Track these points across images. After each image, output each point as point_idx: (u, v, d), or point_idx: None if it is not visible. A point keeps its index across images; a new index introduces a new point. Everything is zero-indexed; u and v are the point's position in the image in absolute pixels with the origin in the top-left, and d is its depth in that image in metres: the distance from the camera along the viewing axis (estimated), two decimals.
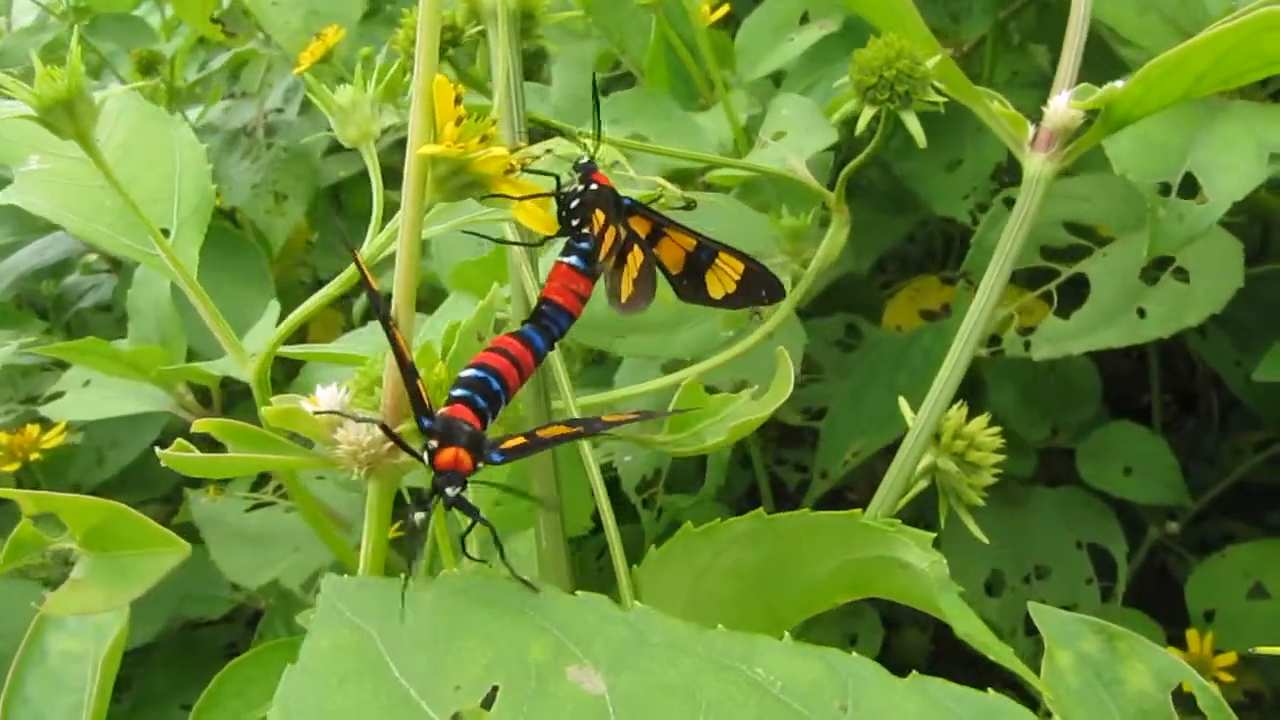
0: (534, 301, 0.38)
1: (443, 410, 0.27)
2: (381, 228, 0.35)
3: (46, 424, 0.78)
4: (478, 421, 0.27)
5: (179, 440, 0.29)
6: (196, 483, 0.78)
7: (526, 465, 0.35)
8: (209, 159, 0.43)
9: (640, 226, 0.34)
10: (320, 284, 1.18)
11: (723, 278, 0.35)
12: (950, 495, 0.38)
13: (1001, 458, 0.38)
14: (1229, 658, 0.69)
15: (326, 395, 0.28)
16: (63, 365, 0.95)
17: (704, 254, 0.35)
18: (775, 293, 0.35)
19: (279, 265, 0.99)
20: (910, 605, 0.32)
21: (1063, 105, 0.39)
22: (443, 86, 0.29)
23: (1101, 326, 0.63)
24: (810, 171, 0.47)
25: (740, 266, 0.34)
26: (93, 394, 0.70)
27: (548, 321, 0.30)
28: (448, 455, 0.26)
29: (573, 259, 0.31)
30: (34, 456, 0.73)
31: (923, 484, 0.39)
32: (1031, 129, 0.41)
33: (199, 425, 0.29)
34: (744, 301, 0.35)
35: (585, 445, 0.33)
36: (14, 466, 0.73)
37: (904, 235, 0.92)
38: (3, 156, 0.41)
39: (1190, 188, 0.55)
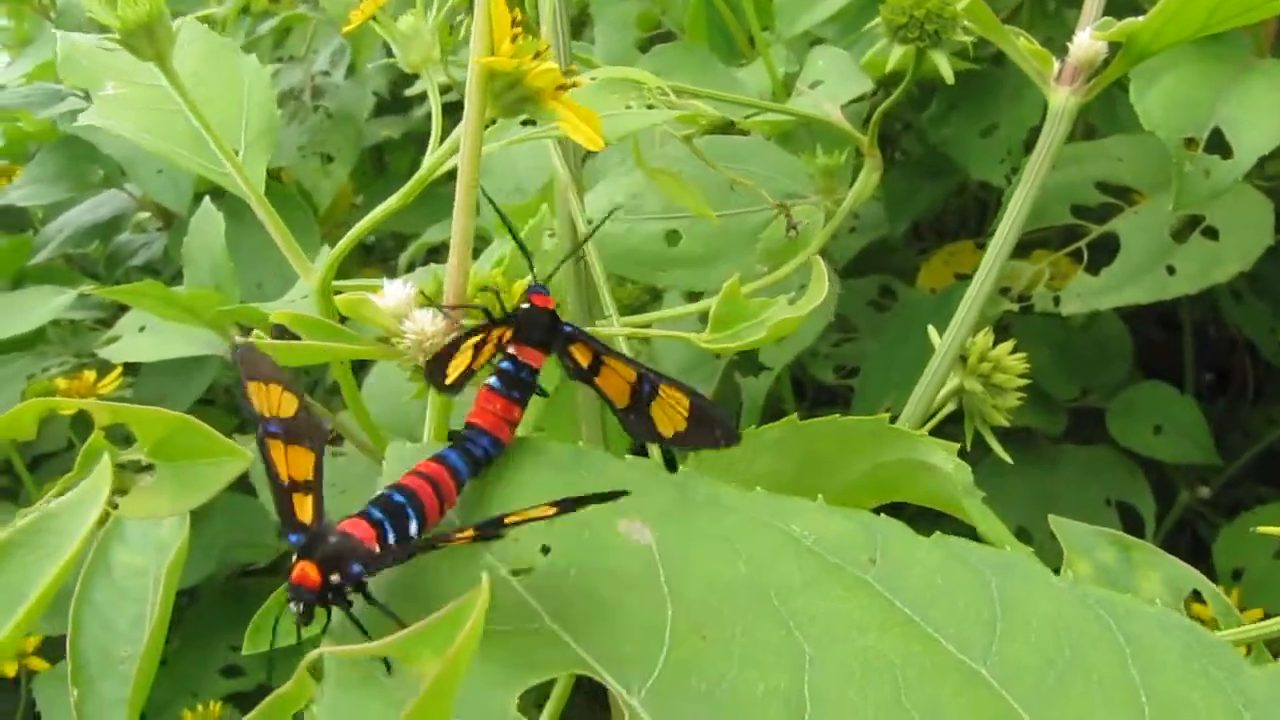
0: (582, 231, 0.40)
1: (341, 523, 0.26)
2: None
3: (102, 373, 0.81)
4: (373, 538, 0.25)
5: (254, 333, 0.31)
6: (247, 431, 0.80)
7: (576, 408, 0.37)
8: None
9: (581, 355, 0.31)
10: (365, 248, 1.20)
11: (670, 413, 0.31)
12: (976, 418, 0.39)
13: (1027, 381, 0.39)
14: (1255, 614, 0.70)
15: (394, 289, 0.30)
16: (110, 326, 0.98)
17: (646, 386, 0.31)
18: (729, 434, 0.31)
19: (323, 226, 1.01)
20: (935, 508, 0.34)
21: (1086, 39, 0.41)
22: (500, 6, 0.31)
23: (1130, 283, 0.64)
24: (845, 120, 0.49)
25: (686, 401, 0.31)
26: (148, 338, 0.72)
27: (470, 445, 0.28)
28: (297, 569, 0.24)
29: (493, 381, 0.30)
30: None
31: (950, 407, 0.40)
32: (1057, 64, 0.42)
33: (276, 315, 0.31)
34: (695, 443, 0.31)
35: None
36: (72, 410, 0.76)
37: (939, 201, 0.93)
38: (81, 82, 0.43)
39: (1217, 145, 0.57)
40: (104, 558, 0.48)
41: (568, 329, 0.31)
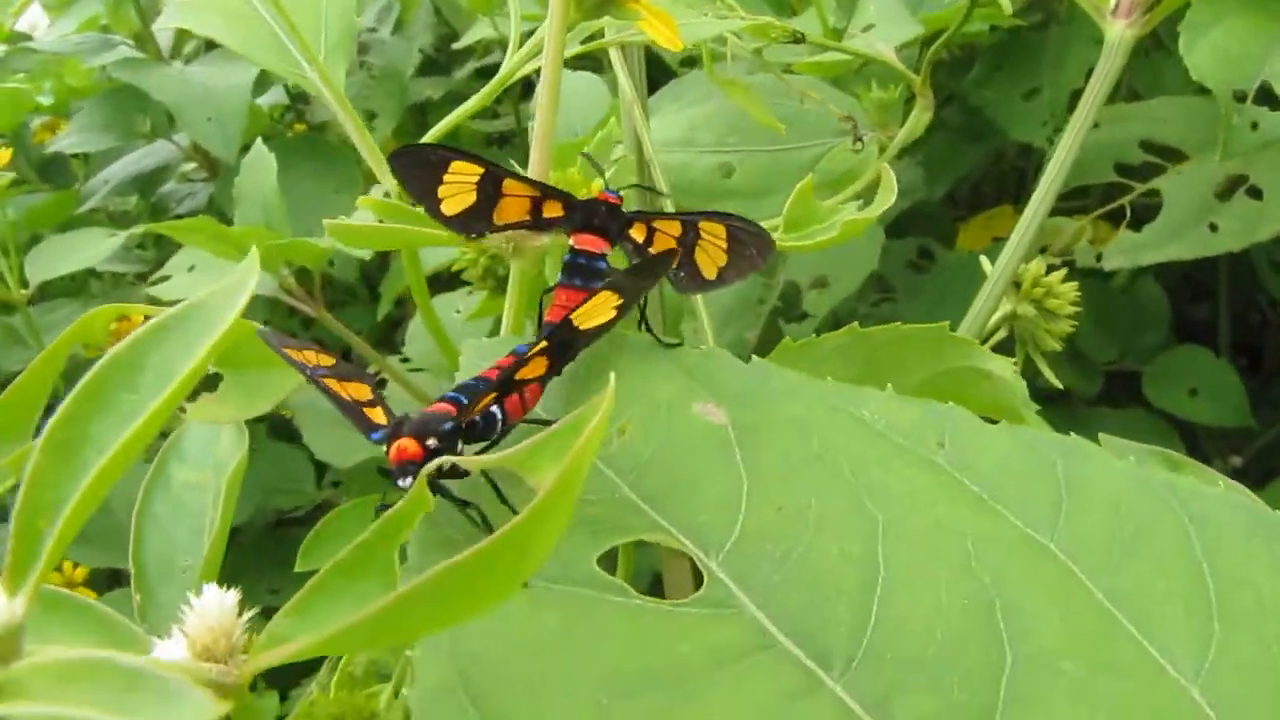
0: (649, 150, 0.41)
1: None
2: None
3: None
4: (454, 411, 0.26)
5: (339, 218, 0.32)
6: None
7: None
8: None
9: (638, 233, 0.32)
10: None
11: (712, 251, 0.31)
12: (1029, 342, 0.40)
13: (1078, 309, 0.40)
14: None
15: None
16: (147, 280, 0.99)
17: (690, 234, 0.31)
18: (764, 248, 0.31)
19: (365, 183, 1.02)
20: (992, 415, 0.34)
21: None
22: None
23: (1173, 239, 0.65)
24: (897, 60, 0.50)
25: (722, 230, 0.31)
26: (197, 278, 0.74)
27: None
28: (395, 449, 0.25)
29: (561, 276, 0.30)
30: None
31: (1001, 334, 0.41)
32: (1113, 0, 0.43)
33: (362, 202, 0.32)
34: (737, 272, 0.31)
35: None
36: (140, 318, 0.77)
37: (978, 166, 0.93)
38: None
39: (1266, 100, 0.57)
40: (163, 473, 0.49)
41: (622, 212, 0.32)
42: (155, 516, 0.47)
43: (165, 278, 0.76)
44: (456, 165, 0.31)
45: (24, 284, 0.83)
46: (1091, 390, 0.80)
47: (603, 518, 0.24)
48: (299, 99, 1.04)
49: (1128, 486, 0.24)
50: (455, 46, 0.91)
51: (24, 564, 0.14)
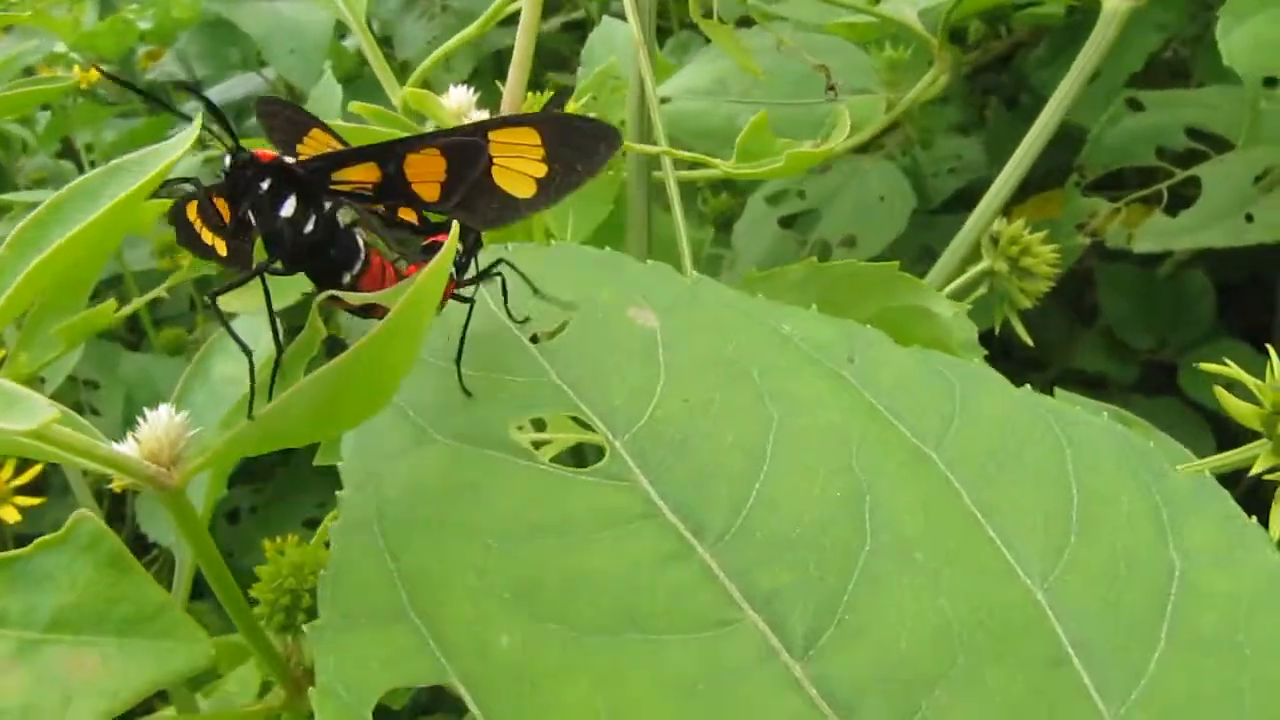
0: (650, 94, 0.43)
1: None
2: None
3: None
4: None
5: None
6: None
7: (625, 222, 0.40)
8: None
9: (365, 174, 0.26)
10: None
11: (521, 166, 0.26)
12: (1004, 301, 0.42)
13: (1056, 270, 0.41)
14: None
15: (457, 93, 0.33)
16: None
17: (472, 153, 0.26)
18: (606, 142, 0.26)
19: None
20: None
21: None
22: None
23: (1207, 226, 0.65)
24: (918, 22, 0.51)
25: (534, 135, 0.26)
26: None
27: None
28: None
29: None
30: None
31: (981, 291, 0.42)
32: None
33: (354, 106, 0.35)
34: (565, 180, 0.26)
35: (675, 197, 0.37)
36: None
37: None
38: None
39: None
40: (204, 366, 0.53)
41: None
42: (192, 405, 0.51)
43: None
44: (315, 132, 0.30)
45: None
46: (1128, 378, 0.80)
47: (525, 395, 0.26)
48: (382, 40, 1.08)
49: (1017, 409, 0.26)
50: None
51: None
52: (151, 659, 0.22)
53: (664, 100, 0.43)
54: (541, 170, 0.26)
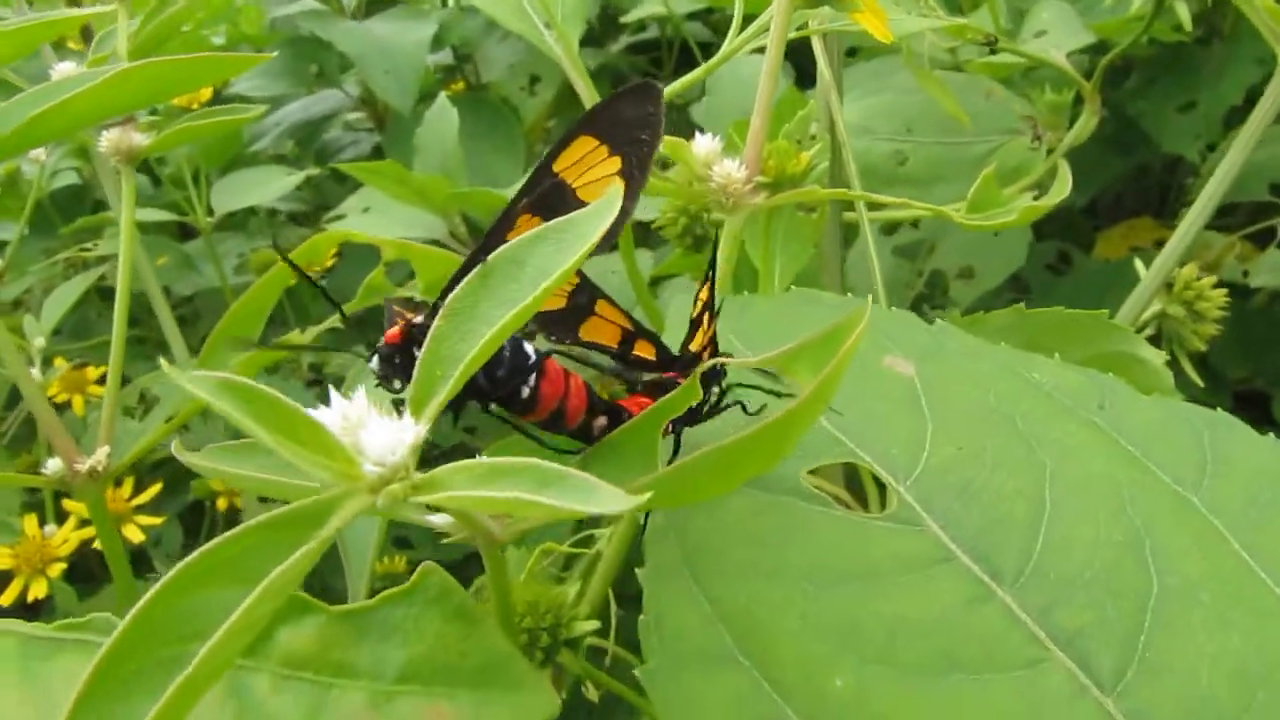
0: (841, 134, 0.44)
1: None
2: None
3: None
4: None
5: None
6: None
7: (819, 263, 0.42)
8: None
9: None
10: None
11: (597, 173, 0.26)
12: (1175, 342, 0.43)
13: (1226, 314, 0.43)
14: None
15: (704, 142, 0.35)
16: (301, 222, 1.06)
17: (556, 198, 0.26)
18: (644, 96, 0.26)
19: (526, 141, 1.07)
20: None
21: None
22: None
23: None
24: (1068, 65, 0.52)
25: (588, 140, 0.26)
26: (372, 218, 0.79)
27: None
28: None
29: None
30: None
31: (1149, 332, 0.44)
32: None
33: None
34: (638, 154, 0.26)
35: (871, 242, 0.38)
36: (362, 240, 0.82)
37: (1123, 175, 0.95)
38: None
39: None
40: None
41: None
42: None
43: (339, 216, 0.81)
44: None
45: (209, 213, 0.89)
46: (1221, 407, 0.81)
47: (807, 443, 0.28)
48: (464, 59, 1.10)
49: (1268, 457, 0.28)
50: (624, 20, 0.95)
51: (424, 399, 0.18)
52: (506, 710, 0.23)
53: (813, 138, 0.45)
54: (615, 162, 0.26)
